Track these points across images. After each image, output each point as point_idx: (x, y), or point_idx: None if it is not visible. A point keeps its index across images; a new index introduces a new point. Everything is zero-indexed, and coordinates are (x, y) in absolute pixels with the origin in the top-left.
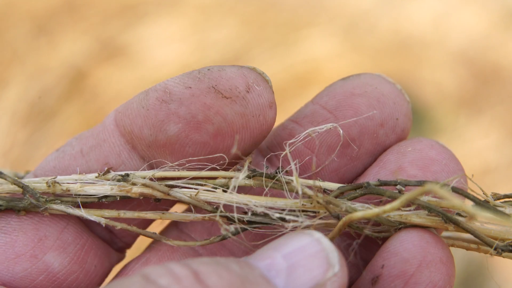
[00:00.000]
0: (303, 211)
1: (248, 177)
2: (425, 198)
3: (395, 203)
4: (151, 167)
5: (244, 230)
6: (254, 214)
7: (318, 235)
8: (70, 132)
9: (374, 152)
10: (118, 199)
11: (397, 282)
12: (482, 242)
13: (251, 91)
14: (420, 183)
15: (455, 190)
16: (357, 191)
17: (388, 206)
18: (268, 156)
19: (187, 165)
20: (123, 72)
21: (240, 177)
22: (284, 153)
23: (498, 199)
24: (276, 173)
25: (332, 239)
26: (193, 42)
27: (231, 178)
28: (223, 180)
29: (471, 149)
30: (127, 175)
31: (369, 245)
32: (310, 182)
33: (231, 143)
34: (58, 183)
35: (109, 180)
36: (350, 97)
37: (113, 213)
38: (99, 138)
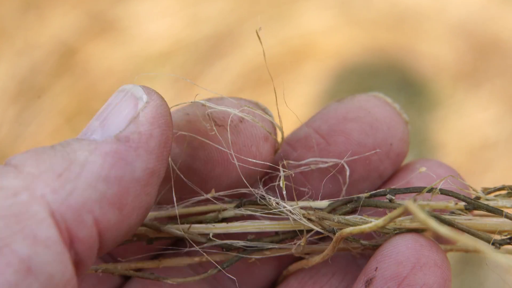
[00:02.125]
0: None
1: (238, 207)
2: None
3: (379, 222)
4: None
5: (239, 258)
6: (249, 240)
7: (123, 86)
8: (60, 109)
9: (368, 178)
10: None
11: (391, 284)
12: (478, 239)
13: (244, 121)
14: (408, 190)
15: (446, 192)
16: (348, 205)
17: (372, 224)
18: (265, 178)
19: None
20: (114, 47)
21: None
22: (276, 182)
23: (489, 193)
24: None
25: (328, 256)
26: (185, 16)
27: (223, 210)
28: (213, 214)
29: (469, 123)
30: None
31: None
32: (299, 203)
33: (222, 172)
34: None
35: None
36: (343, 122)
37: (109, 266)
38: None
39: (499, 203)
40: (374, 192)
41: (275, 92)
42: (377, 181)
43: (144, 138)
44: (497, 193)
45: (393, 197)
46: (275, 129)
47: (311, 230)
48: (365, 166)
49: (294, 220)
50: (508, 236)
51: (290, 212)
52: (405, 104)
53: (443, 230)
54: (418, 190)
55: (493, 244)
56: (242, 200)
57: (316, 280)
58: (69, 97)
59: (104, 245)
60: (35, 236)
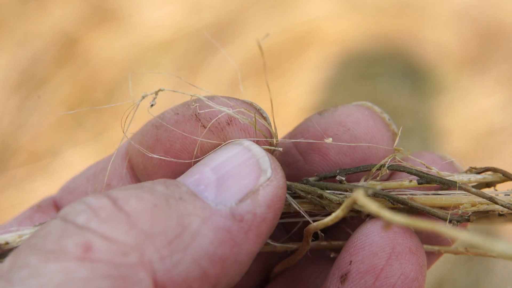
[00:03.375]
0: None
1: None
2: (363, 183)
3: (338, 213)
4: None
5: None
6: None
7: (247, 142)
8: (61, 99)
9: None
10: None
11: (367, 278)
12: (435, 216)
13: (232, 123)
14: (358, 169)
15: (393, 168)
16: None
17: (332, 216)
18: None
19: None
20: (115, 37)
21: None
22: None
23: (479, 173)
24: None
25: (305, 251)
26: (187, 4)
27: None
28: None
29: (475, 109)
30: None
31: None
32: None
33: None
34: None
35: None
36: (321, 139)
37: None
38: (109, 160)
39: (455, 177)
40: (323, 174)
41: (269, 89)
42: None
43: (258, 222)
44: (486, 173)
45: (343, 178)
46: (269, 132)
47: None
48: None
49: None
50: (467, 211)
51: None
52: (410, 91)
53: (398, 219)
54: (368, 169)
55: (450, 221)
56: None
57: (302, 279)
58: (71, 86)
59: None
60: None
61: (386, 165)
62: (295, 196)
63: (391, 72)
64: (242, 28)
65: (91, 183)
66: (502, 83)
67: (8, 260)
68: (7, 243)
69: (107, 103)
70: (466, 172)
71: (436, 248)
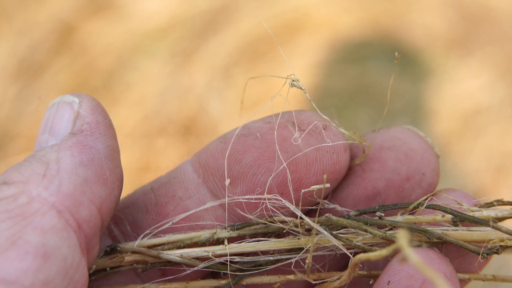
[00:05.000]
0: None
1: (233, 229)
2: (400, 218)
3: (385, 252)
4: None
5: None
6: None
7: (53, 101)
8: (60, 87)
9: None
10: (108, 270)
11: None
12: (468, 250)
13: (327, 129)
14: (396, 206)
15: (433, 207)
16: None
17: (378, 253)
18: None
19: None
20: (112, 25)
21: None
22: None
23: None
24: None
25: (345, 282)
26: None
27: (214, 233)
28: (207, 235)
29: (462, 90)
30: (115, 245)
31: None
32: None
33: (303, 175)
34: None
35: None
36: (379, 150)
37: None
38: (170, 176)
39: (484, 213)
40: (363, 209)
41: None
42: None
43: (94, 125)
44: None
45: (383, 214)
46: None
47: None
48: (397, 194)
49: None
50: (495, 245)
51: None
52: (399, 74)
53: (440, 281)
54: (405, 206)
55: (481, 254)
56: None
57: None
58: (68, 74)
59: (104, 220)
60: (42, 227)
61: (425, 205)
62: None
63: (379, 55)
64: (235, 14)
65: (149, 196)
66: (488, 64)
67: None
68: None
69: (104, 90)
70: (492, 203)
71: (467, 276)
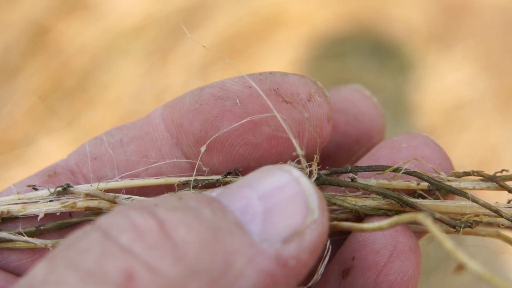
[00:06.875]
0: None
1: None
2: (373, 182)
3: (383, 225)
4: (192, 166)
5: None
6: None
7: (296, 173)
8: (35, 88)
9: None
10: (58, 214)
11: (369, 274)
12: (442, 222)
13: (312, 100)
14: (370, 168)
15: (409, 173)
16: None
17: (375, 225)
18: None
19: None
20: (86, 25)
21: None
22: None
23: (458, 177)
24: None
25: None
26: None
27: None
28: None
29: (443, 84)
30: (69, 185)
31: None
32: None
33: (284, 149)
34: None
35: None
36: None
37: None
38: (142, 130)
39: (461, 184)
40: (334, 169)
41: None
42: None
43: (299, 269)
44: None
45: (355, 176)
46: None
47: None
48: (347, 156)
49: None
50: (471, 219)
51: None
52: (379, 68)
53: (473, 265)
54: (381, 169)
55: (454, 227)
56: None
57: None
58: (44, 75)
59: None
60: None
61: (402, 171)
62: None
63: (359, 50)
64: (211, 12)
65: (119, 151)
66: (469, 57)
67: (42, 269)
68: (8, 212)
69: (80, 90)
70: (469, 173)
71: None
